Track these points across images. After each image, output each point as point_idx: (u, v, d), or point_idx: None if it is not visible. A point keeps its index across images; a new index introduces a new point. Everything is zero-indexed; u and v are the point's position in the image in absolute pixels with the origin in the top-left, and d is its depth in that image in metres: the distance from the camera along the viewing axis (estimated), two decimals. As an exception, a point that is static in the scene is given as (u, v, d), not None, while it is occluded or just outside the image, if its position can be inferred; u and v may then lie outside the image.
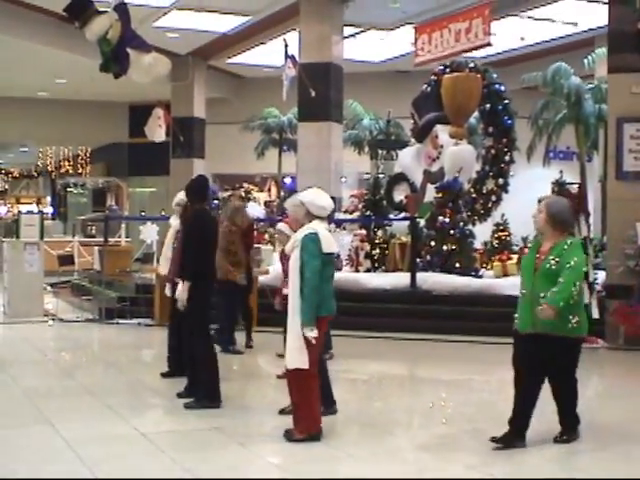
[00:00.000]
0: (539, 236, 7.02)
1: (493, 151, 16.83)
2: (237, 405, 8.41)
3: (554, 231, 6.72)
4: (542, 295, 6.51)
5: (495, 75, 17.04)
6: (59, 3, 13.68)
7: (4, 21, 20.35)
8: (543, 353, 6.72)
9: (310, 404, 6.75)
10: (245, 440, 6.98)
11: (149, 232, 17.89)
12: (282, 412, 7.43)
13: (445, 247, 14.52)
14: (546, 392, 7.01)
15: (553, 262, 6.57)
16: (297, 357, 6.58)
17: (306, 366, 6.54)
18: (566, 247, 6.60)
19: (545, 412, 7.10)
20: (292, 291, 6.70)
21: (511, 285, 13.99)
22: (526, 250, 16.08)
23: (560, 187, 15.28)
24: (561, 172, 15.73)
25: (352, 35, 22.65)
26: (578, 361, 6.96)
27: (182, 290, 8.14)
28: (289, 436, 6.74)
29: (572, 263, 6.47)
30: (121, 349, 12.65)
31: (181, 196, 9.37)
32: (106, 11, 12.55)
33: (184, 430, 7.48)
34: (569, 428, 7.04)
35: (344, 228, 16.99)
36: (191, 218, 8.60)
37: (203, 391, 8.20)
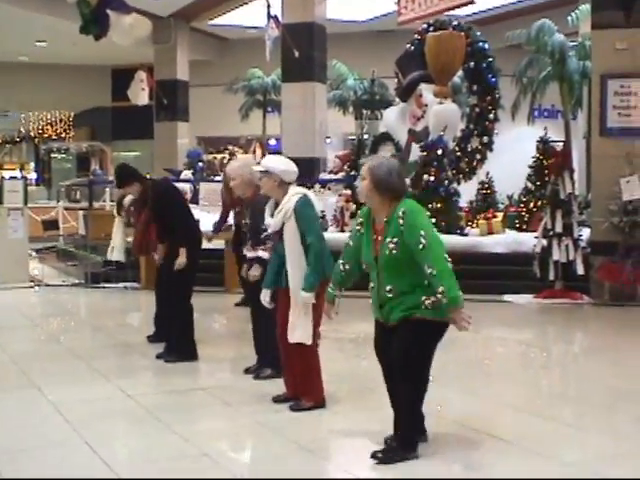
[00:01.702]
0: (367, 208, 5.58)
1: (477, 109, 16.78)
2: (222, 366, 8.45)
3: (383, 200, 5.29)
4: (388, 289, 5.28)
5: (479, 33, 16.97)
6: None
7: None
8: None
9: (314, 374, 6.66)
10: (231, 399, 7.01)
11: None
12: (276, 400, 6.91)
13: (430, 206, 14.50)
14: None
15: (393, 246, 5.20)
16: (302, 333, 6.40)
17: (309, 342, 6.43)
18: (401, 221, 5.16)
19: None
20: (292, 264, 6.45)
21: (496, 243, 14.12)
22: (511, 208, 16.19)
23: (545, 144, 15.30)
24: (545, 129, 15.72)
25: (335, -6, 22.48)
26: (426, 355, 5.45)
27: (182, 256, 8.34)
28: (296, 406, 6.61)
29: (423, 241, 5.07)
30: (107, 313, 12.65)
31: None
32: (85, -28, 12.44)
33: (170, 391, 7.49)
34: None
35: (329, 188, 16.96)
36: (161, 191, 8.84)
37: (180, 347, 8.50)
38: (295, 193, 6.54)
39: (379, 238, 5.32)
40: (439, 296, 5.08)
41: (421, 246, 5.08)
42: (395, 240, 5.19)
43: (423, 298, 5.21)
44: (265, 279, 6.78)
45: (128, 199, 9.59)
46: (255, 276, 7.42)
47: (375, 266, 5.35)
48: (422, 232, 5.10)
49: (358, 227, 5.48)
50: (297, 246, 6.44)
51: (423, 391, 5.51)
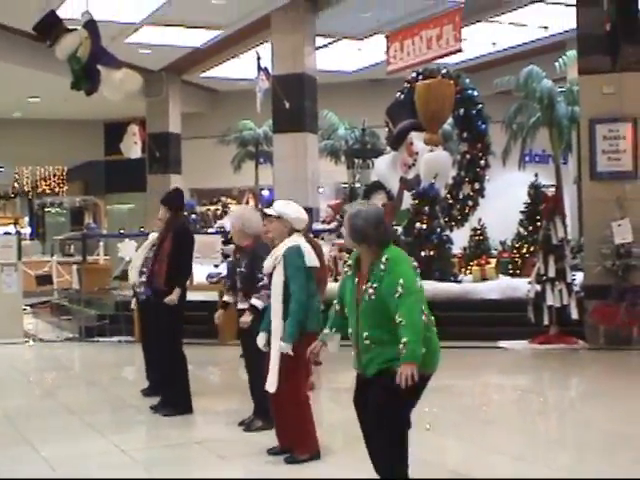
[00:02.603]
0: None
1: (468, 156, 16.86)
2: (217, 418, 8.39)
3: (365, 248, 5.22)
4: (365, 336, 5.12)
5: (468, 80, 17.09)
6: (29, 22, 13.66)
7: (-26, 41, 20.29)
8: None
9: (308, 425, 6.62)
10: (225, 453, 6.96)
11: (127, 249, 17.72)
12: (271, 452, 6.85)
13: (423, 253, 14.53)
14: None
15: (372, 291, 5.09)
16: (269, 379, 6.42)
17: (272, 390, 6.40)
18: (382, 267, 5.07)
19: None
20: (275, 312, 6.50)
21: (490, 290, 14.12)
22: (504, 254, 16.23)
23: (536, 190, 15.36)
24: (536, 175, 15.80)
25: (324, 45, 22.67)
26: (404, 408, 5.21)
27: (175, 294, 8.34)
28: (292, 459, 6.55)
29: (400, 290, 4.92)
30: (102, 367, 12.59)
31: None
32: (76, 29, 12.54)
33: (165, 445, 7.45)
34: None
35: (322, 238, 16.97)
36: (182, 228, 8.87)
37: (175, 400, 8.46)
38: (291, 241, 6.59)
39: (362, 283, 5.19)
40: (400, 346, 4.86)
41: (397, 295, 4.93)
42: (375, 286, 5.06)
43: (401, 347, 4.90)
44: (262, 323, 6.74)
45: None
46: (246, 323, 7.38)
47: (355, 311, 5.22)
48: (401, 280, 4.96)
49: (346, 269, 5.41)
50: (280, 293, 6.48)
51: (403, 453, 5.22)
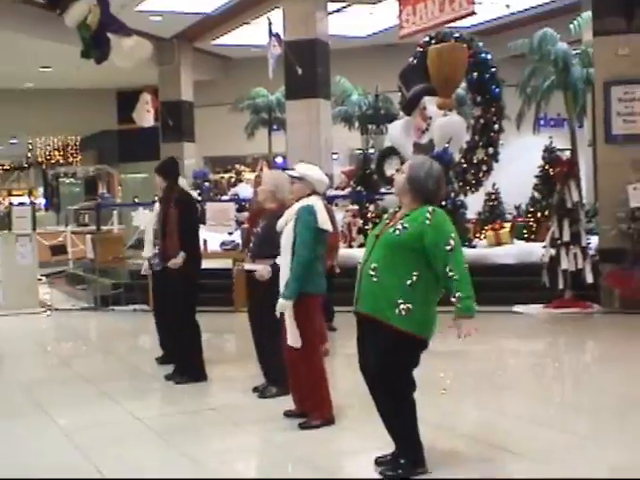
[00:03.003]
0: (397, 206, 5.46)
1: (482, 120, 16.74)
2: (232, 385, 8.41)
3: (413, 199, 5.23)
4: (373, 267, 5.14)
5: (481, 44, 16.94)
6: (38, -9, 13.62)
7: (-16, 12, 20.21)
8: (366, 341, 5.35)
9: (322, 389, 6.63)
10: (239, 419, 6.98)
11: (141, 218, 17.79)
12: (287, 414, 6.90)
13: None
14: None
15: (400, 227, 5.12)
16: (290, 337, 6.47)
17: (298, 345, 6.45)
18: (429, 216, 5.07)
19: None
20: (284, 270, 6.55)
21: (505, 254, 14.07)
22: (518, 219, 16.17)
23: (550, 154, 15.26)
24: (551, 139, 15.68)
25: (336, 10, 22.51)
26: (400, 370, 5.27)
27: (180, 258, 8.35)
28: (306, 425, 6.55)
29: (452, 243, 5.00)
30: (117, 336, 12.64)
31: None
32: (85, -3, 12.47)
33: (179, 412, 7.48)
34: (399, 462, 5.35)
35: (336, 205, 16.94)
36: (182, 197, 8.80)
37: (189, 368, 8.49)
38: (307, 201, 6.60)
39: (390, 224, 5.26)
40: (453, 300, 5.01)
41: (449, 247, 5.01)
42: (406, 225, 5.11)
43: (400, 301, 5.05)
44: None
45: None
46: (262, 276, 7.31)
47: (372, 243, 5.27)
48: (453, 234, 5.06)
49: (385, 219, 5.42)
50: (289, 251, 6.51)
51: (410, 406, 5.29)
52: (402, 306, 5.05)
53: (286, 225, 6.62)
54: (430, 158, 5.45)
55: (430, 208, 5.12)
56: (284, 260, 6.58)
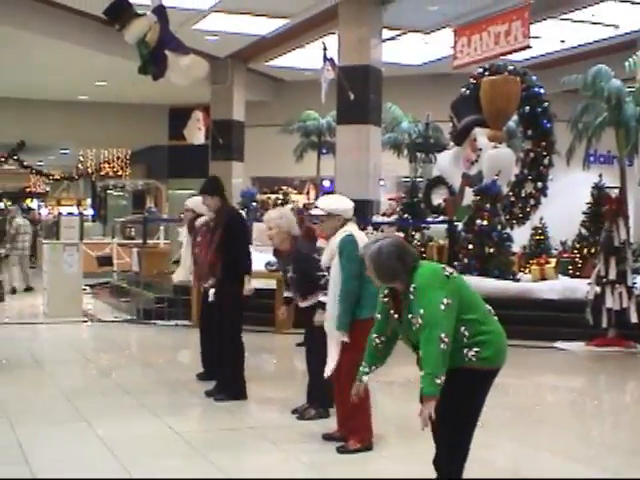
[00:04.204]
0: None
1: (532, 154, 16.75)
2: (271, 405, 8.44)
3: (398, 282, 5.00)
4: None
5: (534, 78, 16.95)
6: (99, 6, 13.84)
7: (45, 24, 20.51)
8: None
9: (364, 414, 6.65)
10: (278, 439, 7.01)
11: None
12: (326, 437, 6.93)
13: (483, 250, 14.44)
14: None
15: (415, 322, 4.86)
16: (329, 365, 6.57)
17: (330, 371, 6.57)
18: (412, 297, 4.88)
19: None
20: (332, 303, 6.60)
21: (549, 289, 13.98)
22: (564, 254, 16.07)
23: (599, 191, 15.18)
24: (600, 176, 15.60)
25: (391, 38, 22.60)
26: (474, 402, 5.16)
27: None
28: (343, 449, 6.58)
29: (420, 321, 4.78)
30: (158, 349, 12.74)
31: (194, 202, 9.63)
32: (145, 14, 12.67)
33: (218, 429, 7.53)
34: None
35: (382, 231, 16.96)
36: (236, 216, 8.95)
37: (231, 386, 8.51)
38: (344, 231, 6.63)
39: (400, 314, 5.04)
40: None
41: (417, 326, 4.80)
42: (414, 314, 4.86)
43: (465, 351, 4.90)
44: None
45: (202, 220, 9.51)
46: (321, 322, 7.07)
47: (410, 340, 5.03)
48: (421, 311, 4.79)
49: (385, 299, 5.19)
50: (337, 284, 6.55)
51: (464, 449, 5.19)
52: (470, 354, 4.94)
53: (332, 260, 6.64)
54: (373, 242, 5.14)
55: (412, 287, 4.89)
56: (332, 292, 6.62)
